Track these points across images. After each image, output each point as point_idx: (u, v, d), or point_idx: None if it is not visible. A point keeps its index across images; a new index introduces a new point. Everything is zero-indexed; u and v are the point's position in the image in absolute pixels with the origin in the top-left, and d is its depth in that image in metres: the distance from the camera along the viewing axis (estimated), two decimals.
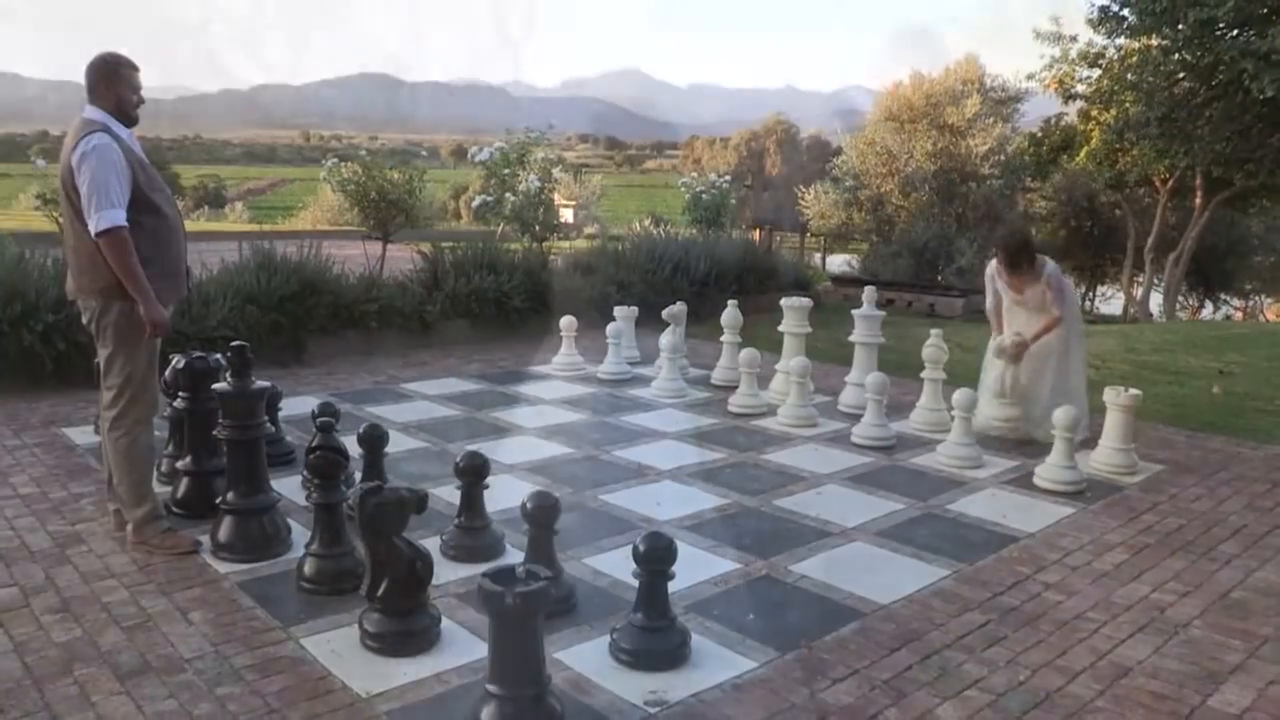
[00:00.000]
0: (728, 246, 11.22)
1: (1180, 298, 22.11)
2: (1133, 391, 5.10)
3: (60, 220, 3.83)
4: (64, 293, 5.81)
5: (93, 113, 3.64)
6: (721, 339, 7.20)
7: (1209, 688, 2.95)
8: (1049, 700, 2.86)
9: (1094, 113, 19.77)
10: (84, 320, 3.79)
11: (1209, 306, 24.74)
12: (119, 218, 3.52)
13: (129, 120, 3.73)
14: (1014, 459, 5.32)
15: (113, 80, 3.68)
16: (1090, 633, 3.29)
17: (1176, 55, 15.60)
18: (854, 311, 6.59)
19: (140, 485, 3.81)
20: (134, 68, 3.75)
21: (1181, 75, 15.90)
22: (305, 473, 4.20)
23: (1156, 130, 16.25)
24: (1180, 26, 14.67)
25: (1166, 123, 16.05)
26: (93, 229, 3.50)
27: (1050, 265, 5.68)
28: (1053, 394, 5.57)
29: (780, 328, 6.70)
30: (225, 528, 3.73)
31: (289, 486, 4.46)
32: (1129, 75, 16.60)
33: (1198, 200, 19.21)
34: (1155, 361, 8.65)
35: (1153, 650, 3.18)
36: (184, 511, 4.13)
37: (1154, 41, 15.91)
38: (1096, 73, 18.59)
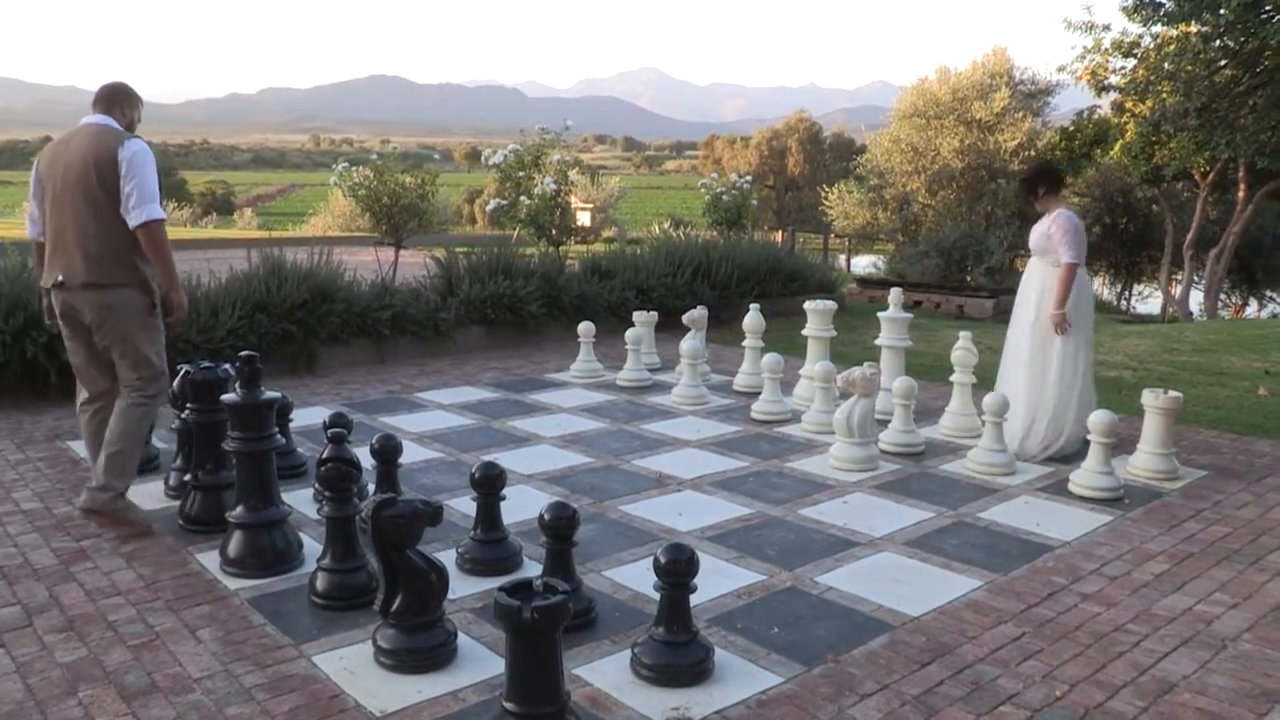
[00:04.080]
0: (749, 248, 11.10)
1: (1222, 295, 21.71)
2: (1173, 394, 4.94)
3: (62, 216, 4.05)
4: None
5: (113, 124, 4.11)
6: (743, 344, 7.09)
7: (1263, 706, 2.81)
8: (1088, 717, 2.74)
9: (1129, 104, 19.42)
10: (82, 307, 4.02)
11: (1253, 304, 24.25)
12: (161, 212, 4.04)
13: None
14: (1048, 465, 5.18)
15: (131, 104, 4.24)
16: (1131, 646, 3.16)
17: (1218, 42, 15.15)
18: (880, 314, 6.48)
19: (137, 457, 4.20)
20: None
21: (1223, 63, 15.48)
22: (317, 485, 4.14)
23: (1196, 121, 15.83)
24: (1222, 11, 14.27)
25: (1206, 113, 15.63)
26: (139, 219, 3.94)
27: (1067, 209, 5.36)
28: (1067, 400, 5.25)
29: (804, 331, 6.59)
30: (235, 542, 3.66)
31: (300, 499, 4.39)
32: (1166, 64, 16.18)
33: (1240, 193, 18.87)
34: (1196, 362, 8.46)
35: (1199, 665, 3.04)
36: (193, 526, 4.06)
37: (1193, 28, 15.52)
38: (1131, 63, 18.20)
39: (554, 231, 10.44)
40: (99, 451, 4.13)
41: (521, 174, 10.66)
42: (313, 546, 3.80)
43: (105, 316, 4.02)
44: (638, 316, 7.64)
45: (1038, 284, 5.38)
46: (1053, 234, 5.29)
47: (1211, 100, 15.54)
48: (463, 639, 3.11)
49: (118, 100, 4.18)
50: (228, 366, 4.16)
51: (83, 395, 4.27)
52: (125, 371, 4.11)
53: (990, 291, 14.57)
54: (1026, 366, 5.34)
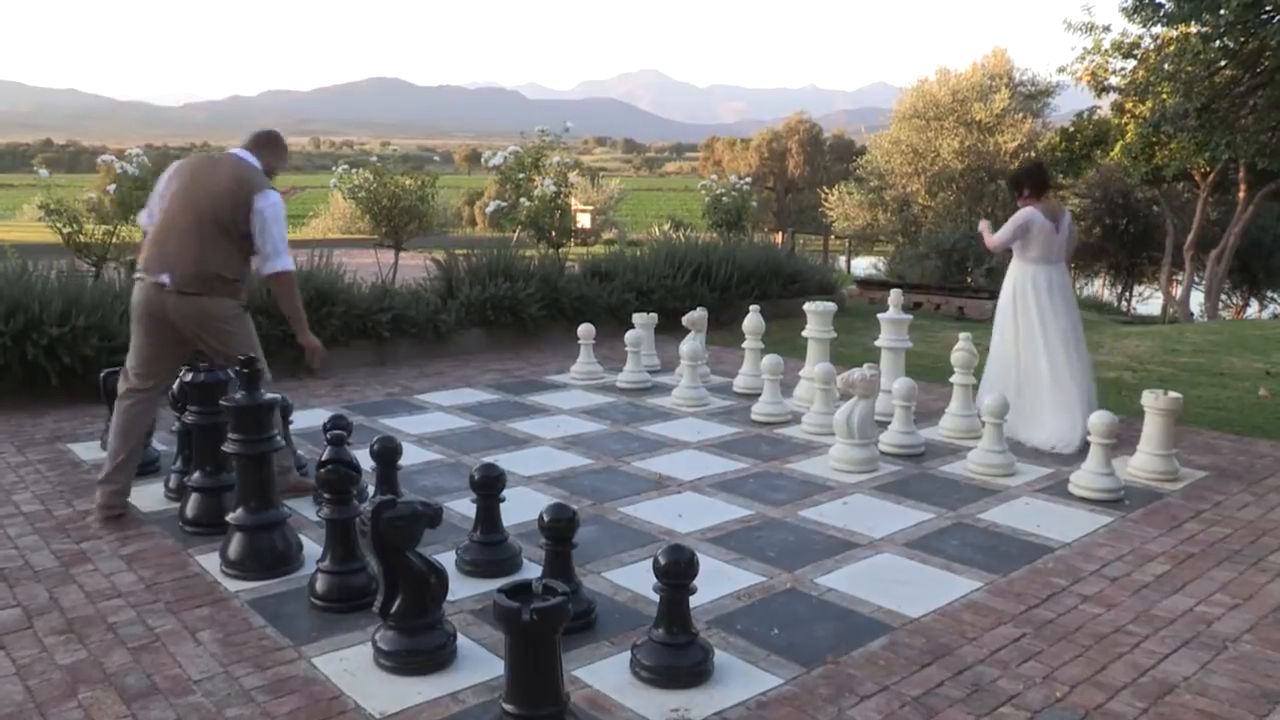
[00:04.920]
0: (749, 250, 11.09)
1: (1223, 296, 21.67)
2: (1173, 394, 4.93)
3: (172, 224, 4.23)
4: (69, 306, 5.81)
5: (258, 165, 4.36)
6: (743, 345, 7.08)
7: (1264, 707, 2.81)
8: (1088, 718, 2.73)
9: (1129, 105, 19.40)
10: (179, 311, 4.17)
11: (1254, 305, 24.20)
12: (292, 263, 4.39)
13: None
14: (1048, 466, 5.18)
15: (279, 155, 4.52)
16: (1131, 647, 3.16)
17: (1218, 42, 15.09)
18: (880, 315, 6.47)
19: None
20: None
21: (1223, 63, 15.43)
22: (317, 487, 4.13)
23: (1196, 122, 15.79)
24: (1222, 11, 14.22)
25: (1207, 113, 15.59)
26: (272, 270, 4.28)
27: (1037, 208, 5.61)
28: (1053, 397, 5.50)
29: (804, 333, 6.59)
30: (235, 545, 3.66)
31: (300, 501, 4.38)
32: (1166, 65, 16.11)
33: (1241, 194, 18.84)
34: (1197, 363, 8.45)
35: (1199, 666, 3.04)
36: (194, 528, 4.06)
37: (1193, 29, 15.47)
38: (1131, 63, 18.19)
39: (554, 233, 10.43)
40: (123, 445, 4.23)
41: (521, 176, 10.65)
42: (312, 548, 3.80)
43: (204, 321, 4.21)
44: (637, 318, 7.64)
45: (1012, 281, 5.75)
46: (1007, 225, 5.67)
47: (1211, 101, 15.51)
48: (462, 641, 3.10)
49: (270, 146, 4.46)
50: (228, 369, 4.16)
51: (128, 384, 4.32)
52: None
53: (990, 293, 14.55)
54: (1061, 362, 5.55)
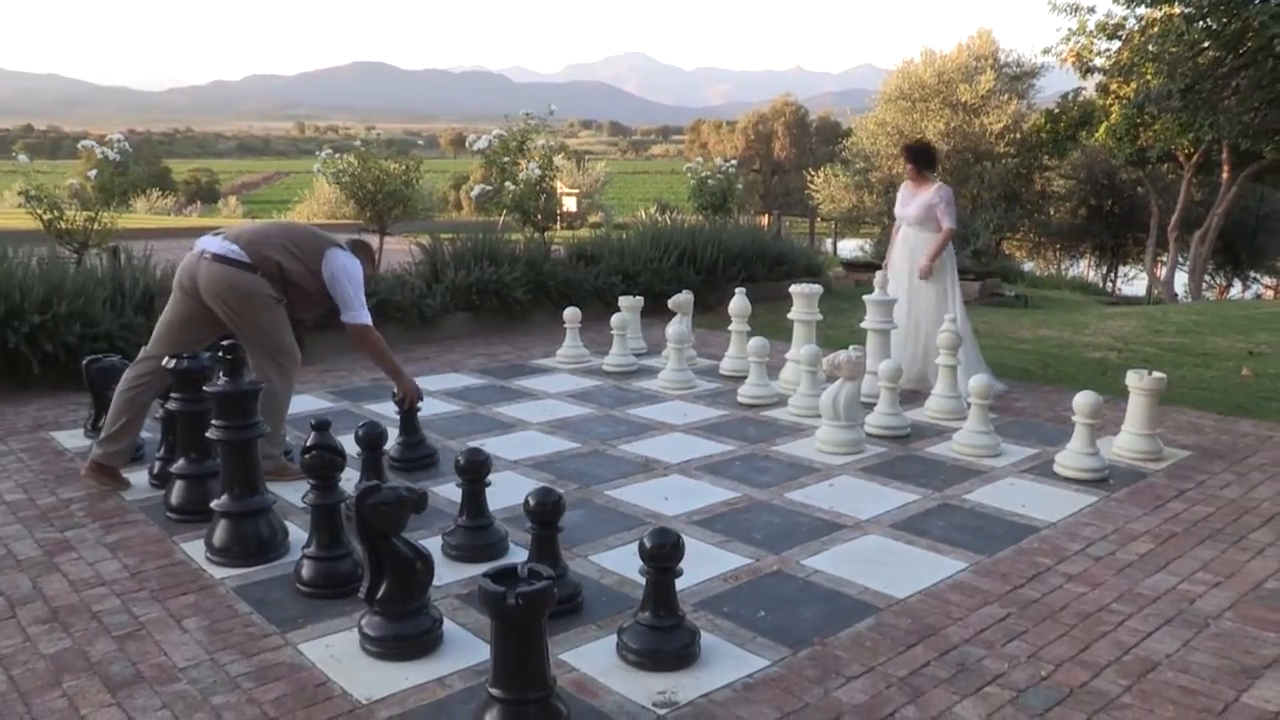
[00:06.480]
0: (735, 233, 11.08)
1: (1207, 277, 21.79)
2: (1157, 374, 4.95)
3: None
4: (50, 293, 5.78)
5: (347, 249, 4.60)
6: (730, 328, 7.08)
7: (1243, 683, 2.83)
8: (1073, 696, 2.75)
9: (1114, 86, 19.42)
10: (216, 284, 4.23)
11: (1237, 285, 24.34)
12: (365, 318, 4.55)
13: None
14: (1033, 447, 5.20)
15: (368, 258, 4.77)
16: (1115, 626, 3.18)
17: (1201, 23, 15.11)
18: (865, 297, 6.47)
19: (274, 427, 4.37)
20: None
21: (1206, 44, 15.43)
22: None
23: (1180, 103, 15.82)
24: None
25: (1190, 94, 15.61)
26: (345, 320, 4.52)
27: (946, 186, 6.40)
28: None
29: (790, 315, 6.58)
30: (220, 531, 3.64)
31: (285, 488, 4.36)
32: (1150, 46, 16.12)
33: (1224, 175, 18.91)
34: (1181, 343, 8.49)
35: (1181, 644, 3.06)
36: (178, 516, 4.04)
37: (1176, 10, 15.49)
38: (1116, 44, 18.20)
39: (539, 217, 10.39)
40: (125, 410, 4.33)
41: (506, 160, 10.59)
42: (298, 534, 3.79)
43: (228, 296, 4.26)
44: (623, 301, 7.62)
45: (911, 250, 6.48)
46: (942, 210, 6.31)
47: (1195, 82, 15.53)
48: (448, 626, 3.10)
49: (362, 251, 4.74)
50: (210, 355, 4.13)
51: (144, 351, 4.42)
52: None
53: (976, 274, 14.58)
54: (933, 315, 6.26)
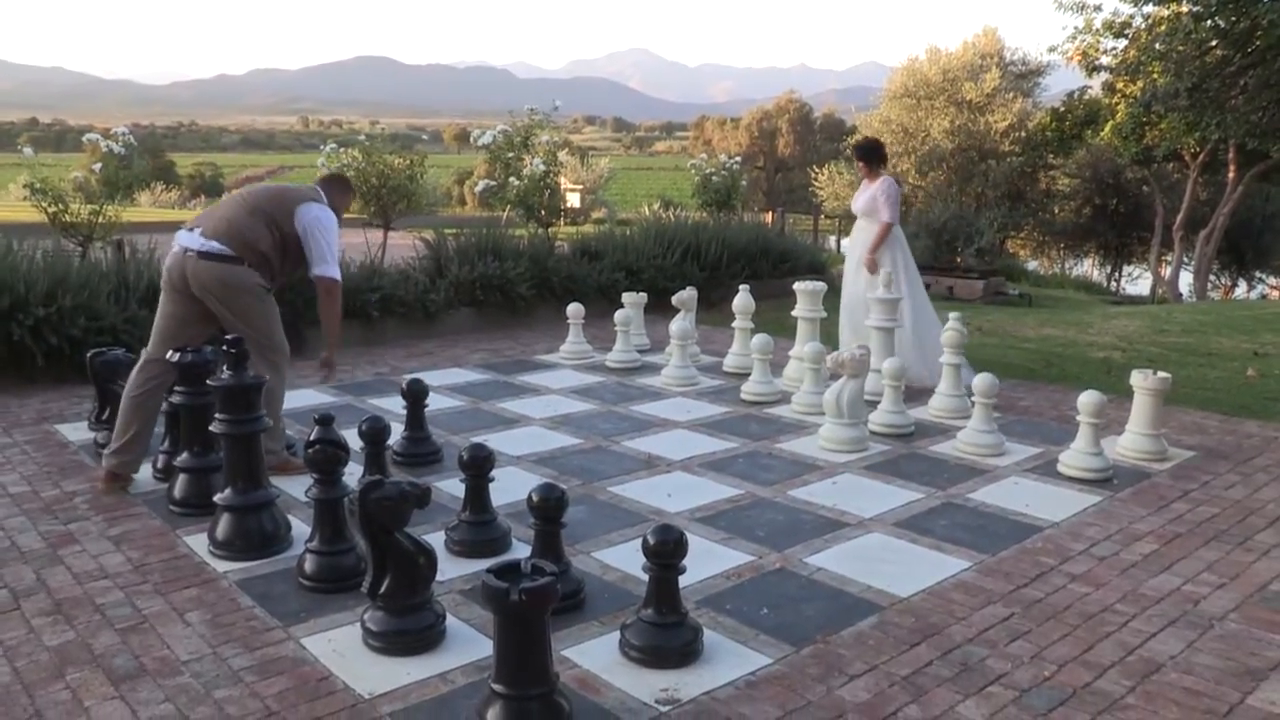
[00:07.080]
0: (739, 230, 11.06)
1: (1212, 277, 21.72)
2: (1161, 374, 4.94)
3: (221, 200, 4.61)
4: (55, 286, 5.78)
5: (320, 196, 4.61)
6: (733, 325, 7.08)
7: (1248, 684, 2.82)
8: (1076, 697, 2.75)
9: (1120, 85, 19.39)
10: (207, 281, 4.24)
11: (1242, 285, 24.25)
12: (335, 273, 4.57)
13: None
14: (1037, 446, 5.19)
15: (343, 191, 4.94)
16: (1119, 626, 3.17)
17: (1209, 21, 15.06)
18: (870, 295, 6.45)
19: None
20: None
21: (1214, 43, 15.38)
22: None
23: (1186, 101, 15.76)
24: None
25: (1197, 93, 15.54)
26: (314, 273, 4.50)
27: (891, 180, 6.62)
28: (912, 337, 6.38)
29: (794, 312, 6.57)
30: (223, 525, 3.64)
31: (288, 482, 4.37)
32: (1157, 45, 16.05)
33: (1231, 174, 18.86)
34: (1185, 343, 8.47)
35: (1185, 645, 3.05)
36: (182, 509, 4.04)
37: (1184, 8, 15.43)
38: (1122, 43, 18.15)
39: (543, 213, 10.37)
40: (133, 419, 4.27)
41: (510, 155, 10.57)
42: (301, 529, 3.79)
43: (219, 292, 4.29)
44: (627, 298, 7.61)
45: (855, 242, 6.77)
46: (882, 202, 6.50)
47: (1202, 80, 15.48)
48: (451, 621, 3.10)
49: (336, 184, 4.90)
50: (214, 349, 4.13)
51: (145, 354, 4.40)
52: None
53: (980, 273, 14.59)
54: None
